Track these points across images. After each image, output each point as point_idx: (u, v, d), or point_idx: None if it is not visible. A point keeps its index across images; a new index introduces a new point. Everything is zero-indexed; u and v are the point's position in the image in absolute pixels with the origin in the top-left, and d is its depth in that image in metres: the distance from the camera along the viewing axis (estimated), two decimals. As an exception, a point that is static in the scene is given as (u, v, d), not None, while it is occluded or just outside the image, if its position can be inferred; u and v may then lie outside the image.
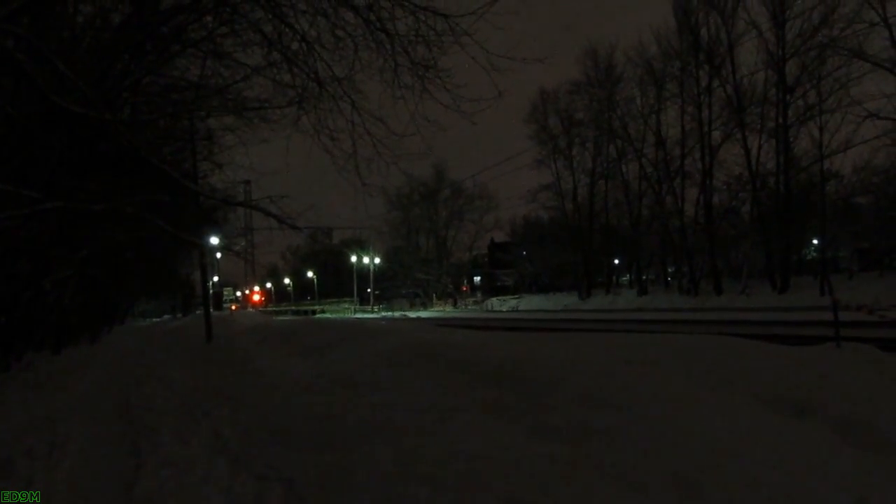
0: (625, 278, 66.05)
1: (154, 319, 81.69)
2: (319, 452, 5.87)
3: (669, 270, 54.34)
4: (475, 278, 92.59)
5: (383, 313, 66.43)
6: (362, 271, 79.62)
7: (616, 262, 62.00)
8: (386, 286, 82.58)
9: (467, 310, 65.29)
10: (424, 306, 75.32)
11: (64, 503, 5.58)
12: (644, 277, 53.58)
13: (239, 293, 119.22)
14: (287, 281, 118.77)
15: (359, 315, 64.00)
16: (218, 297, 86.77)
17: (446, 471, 4.90)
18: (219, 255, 36.82)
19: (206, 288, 26.14)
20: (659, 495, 4.38)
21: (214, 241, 23.69)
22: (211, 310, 25.74)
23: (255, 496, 5.16)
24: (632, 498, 4.36)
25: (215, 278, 67.77)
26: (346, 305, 79.89)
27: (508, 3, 8.59)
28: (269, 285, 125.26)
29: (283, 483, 5.28)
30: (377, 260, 79.62)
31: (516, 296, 69.83)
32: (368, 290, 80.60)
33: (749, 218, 44.72)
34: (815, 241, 42.32)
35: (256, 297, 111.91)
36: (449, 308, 70.31)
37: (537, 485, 4.57)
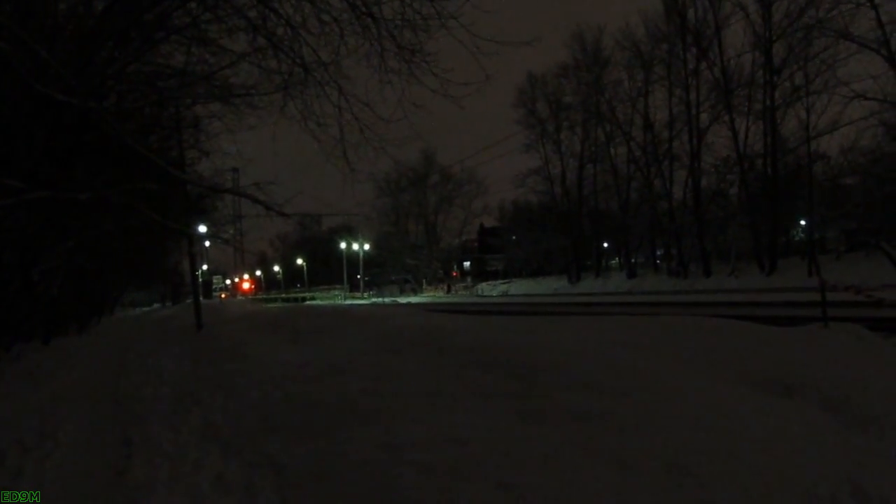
0: (614, 261, 66.29)
1: (143, 309, 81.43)
2: (310, 439, 5.88)
3: (658, 253, 54.54)
4: (465, 263, 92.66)
5: (373, 299, 66.43)
6: (352, 258, 79.55)
7: (605, 245, 62.16)
8: (376, 272, 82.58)
9: (458, 295, 65.38)
10: (415, 292, 75.39)
11: (55, 493, 5.57)
12: (633, 260, 53.74)
13: (228, 281, 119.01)
14: (276, 268, 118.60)
15: (349, 302, 63.98)
16: (207, 285, 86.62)
17: (437, 456, 4.91)
18: (207, 243, 36.70)
19: (195, 276, 26.04)
20: (650, 477, 4.41)
21: (202, 229, 23.62)
22: (200, 298, 25.65)
23: (246, 483, 5.16)
24: (623, 480, 4.39)
25: (204, 266, 67.54)
26: (337, 292, 79.86)
27: (494, -15, 8.56)
28: (258, 273, 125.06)
29: (273, 469, 5.28)
30: (366, 246, 79.53)
31: (506, 280, 69.95)
32: (358, 276, 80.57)
33: (737, 200, 44.96)
34: (802, 223, 42.53)
35: (246, 285, 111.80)
36: (440, 294, 70.38)
37: (528, 469, 4.59)
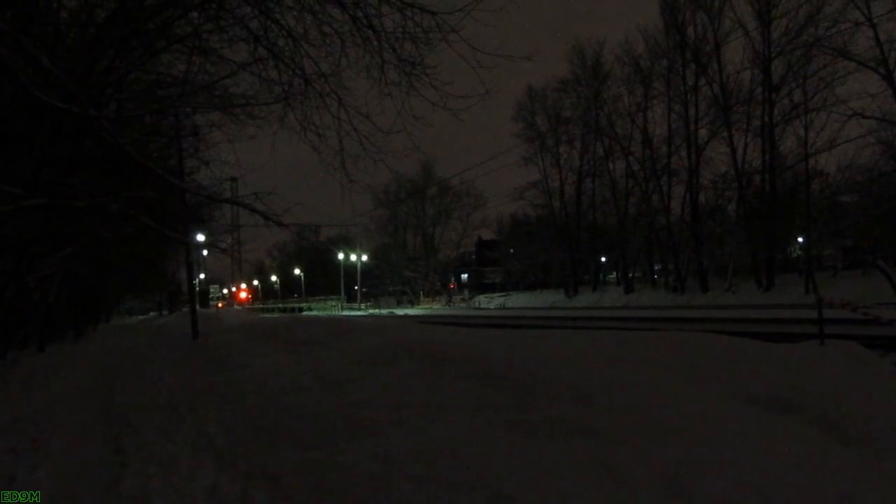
0: (611, 276, 66.26)
1: (140, 317, 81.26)
2: (305, 450, 5.86)
3: (656, 268, 54.56)
4: (463, 276, 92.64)
5: (370, 311, 66.34)
6: (349, 269, 79.51)
7: (603, 259, 62.18)
8: (373, 283, 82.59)
9: (455, 307, 65.33)
10: (412, 304, 75.32)
11: (48, 501, 5.54)
12: (630, 275, 53.75)
13: (225, 290, 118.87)
14: (274, 278, 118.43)
15: (346, 313, 63.90)
16: (204, 294, 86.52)
17: (432, 469, 4.90)
18: (205, 252, 36.65)
19: (192, 285, 26.01)
20: (645, 492, 4.39)
21: (200, 238, 23.62)
22: (197, 307, 25.60)
23: (241, 494, 5.13)
24: (618, 495, 4.37)
25: (201, 275, 67.40)
26: (334, 303, 79.79)
27: (496, 0, 8.60)
28: (255, 283, 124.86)
29: (268, 481, 5.26)
30: (364, 257, 79.50)
31: (503, 293, 69.97)
32: (356, 287, 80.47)
33: (735, 216, 45.03)
34: (800, 240, 42.60)
35: (243, 295, 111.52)
36: (437, 306, 70.31)
37: (523, 482, 4.58)
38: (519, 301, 60.71)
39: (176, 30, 10.31)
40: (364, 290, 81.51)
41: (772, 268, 39.18)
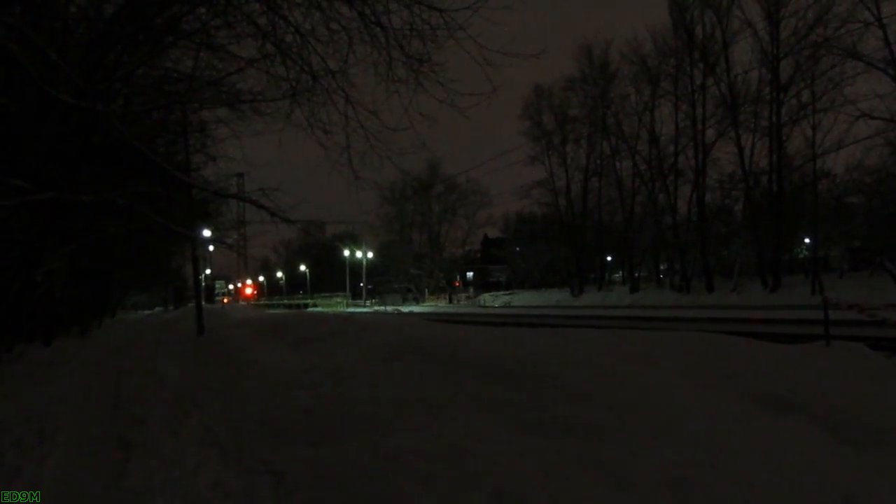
0: (617, 275, 66.15)
1: (145, 312, 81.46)
2: (309, 446, 5.87)
3: (662, 268, 54.38)
4: (468, 274, 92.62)
5: (375, 308, 66.38)
6: (355, 266, 79.56)
7: (608, 259, 62.08)
8: (378, 281, 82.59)
9: (460, 305, 65.33)
10: (417, 301, 75.31)
11: (53, 495, 5.56)
12: (636, 274, 53.60)
13: (231, 286, 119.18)
14: (279, 274, 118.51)
15: (351, 309, 63.95)
16: (210, 289, 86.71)
17: (436, 466, 4.90)
18: (211, 247, 36.71)
19: (197, 281, 26.08)
20: (649, 492, 4.39)
21: (206, 233, 23.66)
22: (203, 303, 25.66)
23: (245, 489, 5.14)
24: (622, 495, 4.37)
25: (207, 271, 67.64)
26: (339, 300, 79.80)
27: (504, -2, 8.58)
28: (261, 279, 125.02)
29: (273, 476, 5.27)
30: (370, 254, 79.47)
31: (509, 292, 69.89)
32: (361, 284, 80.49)
33: (741, 216, 44.87)
34: (806, 240, 42.44)
35: (248, 291, 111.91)
36: (442, 303, 70.29)
37: (527, 481, 4.58)
38: (524, 300, 60.64)
39: (184, 25, 10.32)
40: (369, 287, 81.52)
41: (778, 268, 39.06)
